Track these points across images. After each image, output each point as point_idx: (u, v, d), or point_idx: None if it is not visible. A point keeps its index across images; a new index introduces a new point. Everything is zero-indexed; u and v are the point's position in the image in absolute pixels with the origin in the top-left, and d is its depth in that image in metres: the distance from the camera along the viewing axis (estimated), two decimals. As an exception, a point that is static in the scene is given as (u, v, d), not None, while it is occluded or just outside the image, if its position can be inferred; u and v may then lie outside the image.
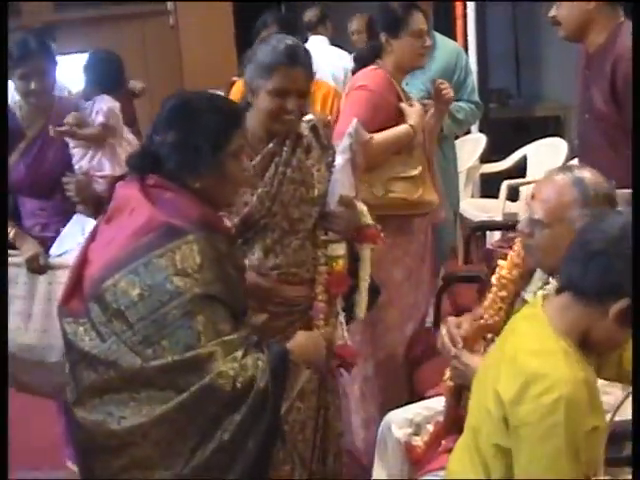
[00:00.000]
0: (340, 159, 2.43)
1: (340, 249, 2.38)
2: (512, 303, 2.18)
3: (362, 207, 2.47)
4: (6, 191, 2.32)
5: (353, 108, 2.97)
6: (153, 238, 1.87)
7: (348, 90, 3.12)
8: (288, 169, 2.32)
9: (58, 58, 2.99)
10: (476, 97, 4.27)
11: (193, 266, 1.85)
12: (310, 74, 2.33)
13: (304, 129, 2.39)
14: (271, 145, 2.31)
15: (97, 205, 2.88)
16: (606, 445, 1.79)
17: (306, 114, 2.40)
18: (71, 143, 3.03)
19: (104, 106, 3.12)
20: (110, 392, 1.84)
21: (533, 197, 2.08)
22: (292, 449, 2.26)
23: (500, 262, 2.27)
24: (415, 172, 3.01)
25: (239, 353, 1.86)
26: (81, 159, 3.03)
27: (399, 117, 3.00)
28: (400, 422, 2.40)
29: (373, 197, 2.91)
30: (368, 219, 2.46)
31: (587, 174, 2.04)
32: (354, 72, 3.18)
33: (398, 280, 3.07)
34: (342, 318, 2.42)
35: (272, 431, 1.90)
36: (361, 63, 3.14)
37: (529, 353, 1.70)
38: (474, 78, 4.33)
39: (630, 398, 1.88)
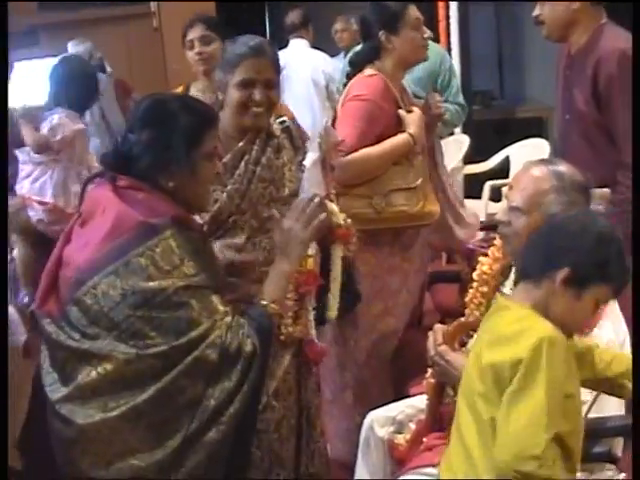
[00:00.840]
0: (310, 158, 2.44)
1: (310, 248, 2.40)
2: (492, 299, 2.19)
3: (332, 207, 2.49)
4: (6, 189, 2.29)
5: (350, 119, 2.89)
6: (130, 238, 1.87)
7: (344, 99, 3.00)
8: (258, 167, 2.34)
9: (41, 61, 2.88)
10: (461, 99, 4.29)
11: (175, 261, 1.86)
12: (276, 65, 2.36)
13: (276, 130, 2.41)
14: (241, 143, 2.32)
15: (26, 234, 2.70)
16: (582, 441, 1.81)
17: (275, 106, 2.40)
18: (21, 157, 2.82)
19: (57, 122, 2.93)
20: (104, 386, 1.84)
21: (511, 188, 2.16)
22: (268, 448, 2.27)
23: (481, 259, 2.31)
24: (416, 183, 2.92)
25: (228, 319, 1.88)
26: (25, 178, 2.79)
27: (398, 125, 2.92)
28: (383, 420, 2.42)
29: (373, 211, 2.88)
30: (339, 219, 2.48)
31: (563, 166, 2.13)
32: (349, 76, 3.05)
33: (395, 289, 3.00)
34: (311, 316, 2.40)
35: (257, 395, 1.93)
36: (357, 66, 3.02)
37: (509, 323, 1.79)
38: (458, 80, 4.37)
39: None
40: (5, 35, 2.57)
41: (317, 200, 2.14)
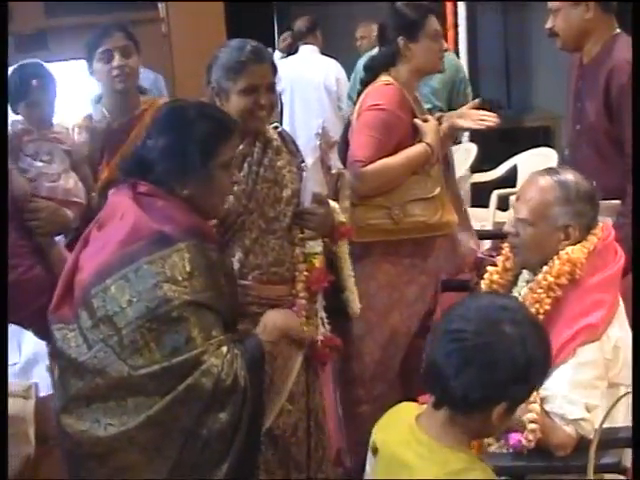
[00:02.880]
0: (310, 158, 2.45)
1: (317, 246, 2.41)
2: None
3: (335, 205, 2.49)
4: (6, 192, 2.29)
5: (367, 129, 2.84)
6: (144, 245, 1.87)
7: (359, 109, 2.93)
8: (261, 168, 2.35)
9: (49, 65, 2.73)
10: None
11: (183, 274, 1.86)
12: (275, 68, 2.40)
13: (272, 133, 2.43)
14: (242, 146, 2.32)
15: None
16: (596, 451, 1.81)
17: (274, 109, 2.42)
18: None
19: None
20: (97, 400, 1.84)
21: (518, 199, 2.16)
22: (285, 453, 2.27)
23: (489, 268, 2.30)
24: (434, 193, 2.89)
25: (224, 349, 1.87)
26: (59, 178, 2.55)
27: (414, 134, 2.89)
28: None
29: (391, 221, 2.84)
30: (341, 217, 2.48)
31: (569, 175, 2.12)
32: (364, 83, 3.00)
33: (412, 299, 2.96)
34: (323, 314, 2.43)
35: (256, 426, 1.92)
36: (373, 71, 2.97)
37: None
38: (470, 90, 4.36)
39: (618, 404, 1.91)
40: (5, 35, 2.55)
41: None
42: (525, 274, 2.24)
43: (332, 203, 2.49)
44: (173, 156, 1.95)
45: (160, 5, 6.29)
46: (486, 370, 1.52)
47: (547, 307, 2.05)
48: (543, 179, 2.12)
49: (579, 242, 2.10)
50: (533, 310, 2.03)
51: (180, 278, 1.85)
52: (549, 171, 2.16)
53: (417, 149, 2.87)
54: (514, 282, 2.28)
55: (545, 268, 2.09)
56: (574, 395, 2.00)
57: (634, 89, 2.59)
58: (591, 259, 2.08)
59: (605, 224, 2.20)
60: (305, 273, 2.37)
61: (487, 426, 1.60)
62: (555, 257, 2.08)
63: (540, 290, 2.06)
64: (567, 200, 2.07)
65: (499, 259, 2.30)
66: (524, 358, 1.53)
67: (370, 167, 2.79)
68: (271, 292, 2.31)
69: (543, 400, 2.02)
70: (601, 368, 2.04)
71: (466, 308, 1.60)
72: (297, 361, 2.29)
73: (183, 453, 1.84)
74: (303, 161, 2.49)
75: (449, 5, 6.24)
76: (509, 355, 1.52)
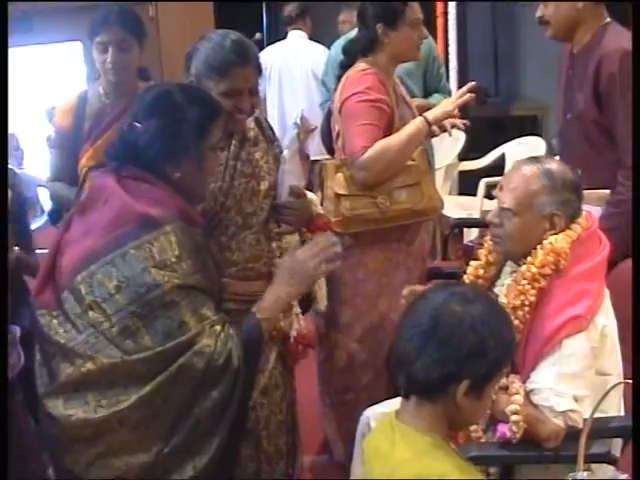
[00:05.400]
0: (288, 150, 2.42)
1: (294, 240, 2.40)
2: None
3: (312, 196, 2.47)
4: (6, 189, 2.27)
5: (354, 120, 2.79)
6: (130, 229, 1.85)
7: (340, 96, 2.88)
8: (238, 162, 2.30)
9: (35, 47, 2.80)
10: (450, 88, 4.25)
11: (171, 257, 1.84)
12: (260, 68, 2.29)
13: (249, 122, 2.37)
14: None
15: None
16: (586, 441, 1.80)
17: (256, 110, 2.36)
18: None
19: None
20: (88, 384, 1.82)
21: (501, 188, 2.13)
22: (257, 446, 2.26)
23: (472, 263, 2.29)
24: (418, 179, 2.87)
25: (217, 328, 1.87)
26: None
27: (394, 119, 2.86)
28: (379, 417, 2.39)
29: (378, 210, 2.82)
30: (319, 208, 2.45)
31: (553, 164, 2.10)
32: (343, 66, 2.97)
33: (399, 283, 2.92)
34: (298, 309, 2.43)
35: (246, 402, 1.92)
36: (351, 55, 2.95)
37: (403, 463, 1.61)
38: (454, 73, 4.32)
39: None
40: (5, 35, 2.50)
41: (337, 245, 2.10)
42: (508, 267, 2.23)
43: (309, 194, 2.47)
44: (166, 139, 1.93)
45: (150, 5, 6.25)
46: (440, 348, 1.58)
47: (532, 298, 2.03)
48: (528, 168, 2.09)
49: (562, 232, 2.09)
50: (518, 302, 2.02)
51: (169, 262, 1.84)
52: (533, 160, 2.14)
53: (414, 124, 2.84)
54: (497, 275, 2.27)
55: (529, 259, 2.07)
56: (561, 387, 1.99)
57: (634, 89, 2.57)
58: (575, 248, 2.06)
59: (588, 213, 2.18)
60: None
61: (456, 410, 1.61)
62: (538, 247, 2.06)
63: (524, 281, 2.04)
64: (553, 189, 2.05)
65: (481, 252, 2.28)
66: (475, 333, 1.58)
67: (370, 151, 2.75)
68: (248, 288, 2.28)
69: (531, 393, 2.01)
70: (589, 358, 2.03)
71: (424, 300, 1.67)
72: (272, 354, 2.28)
73: (173, 431, 1.83)
74: (281, 150, 2.44)
75: (438, -7, 6.22)
76: (460, 331, 1.58)
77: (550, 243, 2.04)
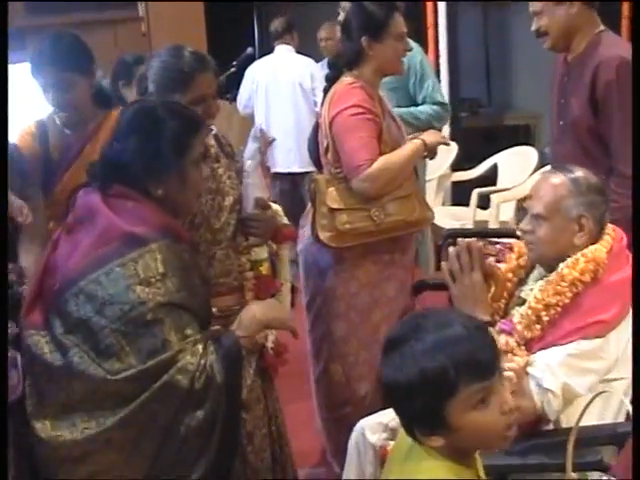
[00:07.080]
0: (250, 163, 2.43)
1: (263, 252, 2.41)
2: (508, 303, 2.28)
3: (277, 207, 2.48)
4: (6, 189, 2.25)
5: (352, 133, 2.79)
6: (115, 247, 1.85)
7: (328, 112, 2.86)
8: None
9: (27, 64, 2.56)
10: (440, 97, 4.23)
11: (156, 275, 1.83)
12: (217, 74, 2.33)
13: (209, 139, 2.36)
14: None
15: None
16: (578, 449, 1.81)
17: (212, 127, 2.37)
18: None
19: None
20: (73, 404, 1.82)
21: (531, 197, 2.24)
22: (243, 462, 2.25)
23: (501, 266, 2.33)
24: (409, 191, 2.90)
25: (200, 347, 1.85)
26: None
27: (382, 132, 2.86)
28: (374, 427, 2.40)
29: (372, 223, 2.83)
30: (284, 219, 2.47)
31: (577, 171, 2.21)
32: (329, 80, 2.96)
33: (392, 296, 2.96)
34: None
35: (234, 420, 1.90)
36: (337, 69, 2.94)
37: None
38: (434, 79, 4.28)
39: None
40: (5, 35, 2.43)
41: None
42: (536, 272, 2.29)
43: (274, 206, 2.48)
44: (146, 156, 1.92)
45: (140, 4, 6.27)
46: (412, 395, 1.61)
47: (567, 300, 2.11)
48: (555, 176, 2.20)
49: (594, 237, 2.16)
50: (554, 300, 2.10)
51: (153, 279, 1.83)
52: (559, 169, 2.24)
53: (413, 144, 2.88)
54: (525, 280, 2.32)
55: (567, 262, 2.13)
56: (558, 370, 2.04)
57: (634, 89, 2.59)
58: (609, 259, 2.14)
59: (614, 227, 2.25)
60: (253, 281, 2.37)
61: (458, 438, 1.52)
62: (580, 254, 2.13)
63: (564, 283, 2.11)
64: (579, 192, 2.15)
65: (511, 257, 2.34)
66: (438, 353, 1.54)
67: (375, 165, 2.76)
68: (220, 303, 2.27)
69: (529, 364, 2.06)
70: (595, 364, 2.07)
71: (408, 323, 1.69)
72: (251, 366, 2.27)
73: (161, 451, 1.83)
74: (242, 165, 2.44)
75: (429, 4, 6.24)
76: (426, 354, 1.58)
77: (591, 252, 2.13)
